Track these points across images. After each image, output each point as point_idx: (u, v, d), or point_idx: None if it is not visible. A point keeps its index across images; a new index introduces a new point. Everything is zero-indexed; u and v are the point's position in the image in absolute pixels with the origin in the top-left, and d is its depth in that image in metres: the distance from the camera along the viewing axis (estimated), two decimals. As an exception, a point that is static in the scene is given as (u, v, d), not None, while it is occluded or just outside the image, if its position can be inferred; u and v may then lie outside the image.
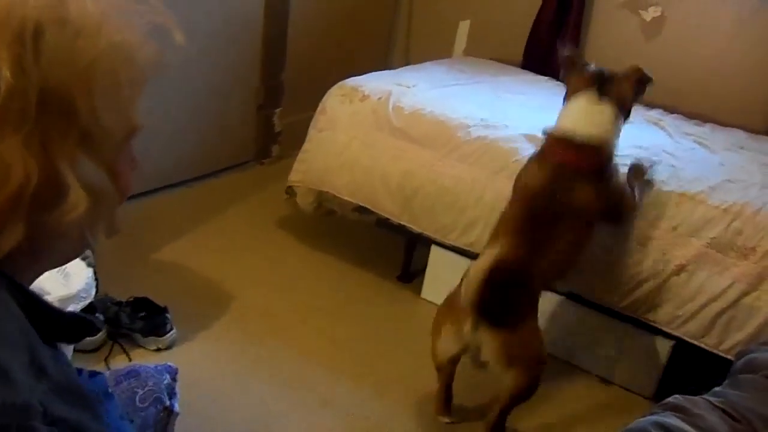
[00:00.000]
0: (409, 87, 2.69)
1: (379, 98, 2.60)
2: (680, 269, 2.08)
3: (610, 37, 3.46)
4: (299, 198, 2.80)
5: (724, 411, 1.23)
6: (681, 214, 2.11)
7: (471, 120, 2.49)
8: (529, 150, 2.29)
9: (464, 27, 3.69)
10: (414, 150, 2.48)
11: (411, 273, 2.72)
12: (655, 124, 2.82)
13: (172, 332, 2.22)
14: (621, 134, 2.08)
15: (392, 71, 2.94)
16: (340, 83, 2.72)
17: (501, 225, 1.98)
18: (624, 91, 2.07)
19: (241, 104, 3.42)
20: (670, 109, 3.09)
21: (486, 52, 3.64)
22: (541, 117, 2.63)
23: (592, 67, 2.12)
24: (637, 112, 2.90)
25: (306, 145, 2.75)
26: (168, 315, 2.21)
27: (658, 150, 2.47)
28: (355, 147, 2.58)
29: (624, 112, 2.08)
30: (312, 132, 2.74)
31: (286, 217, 3.04)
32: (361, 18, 3.90)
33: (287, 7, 3.39)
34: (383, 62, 4.01)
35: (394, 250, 2.75)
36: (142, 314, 2.21)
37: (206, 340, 2.29)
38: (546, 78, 3.26)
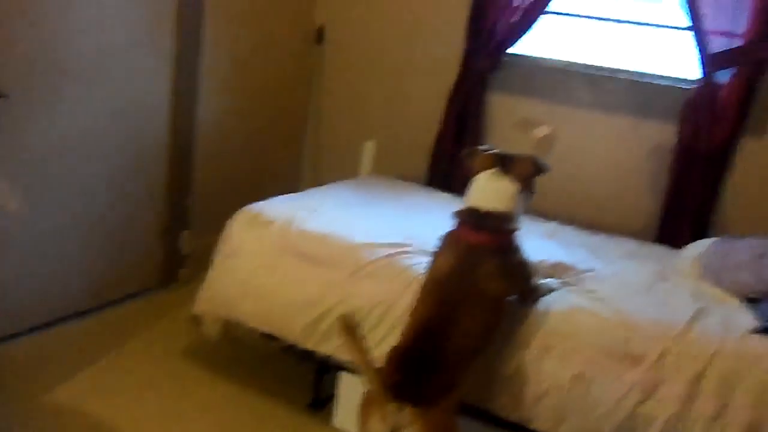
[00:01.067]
0: (313, 210, 2.75)
1: (283, 223, 2.64)
2: (579, 378, 2.13)
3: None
4: (205, 326, 2.75)
5: None
6: (574, 324, 2.19)
7: (376, 239, 2.54)
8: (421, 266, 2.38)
9: (369, 148, 3.84)
10: (320, 273, 2.50)
11: (323, 399, 2.67)
12: (551, 236, 2.96)
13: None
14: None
15: (297, 194, 3.00)
16: (244, 209, 2.75)
17: (413, 309, 2.07)
18: (524, 169, 2.23)
19: (145, 228, 3.38)
20: (566, 222, 3.26)
21: (392, 170, 3.78)
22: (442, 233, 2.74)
23: (493, 149, 2.28)
24: (534, 225, 3.05)
25: (211, 273, 2.73)
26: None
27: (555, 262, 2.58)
28: (261, 273, 2.58)
29: (526, 190, 2.20)
30: (217, 259, 2.73)
31: (191, 346, 2.96)
32: (269, 140, 4.01)
33: (193, 131, 3.45)
34: (293, 183, 4.09)
35: (306, 377, 2.70)
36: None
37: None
38: (450, 195, 3.40)
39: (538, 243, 2.84)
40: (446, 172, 3.72)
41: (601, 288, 2.38)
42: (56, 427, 2.39)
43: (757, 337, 2.14)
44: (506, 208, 2.19)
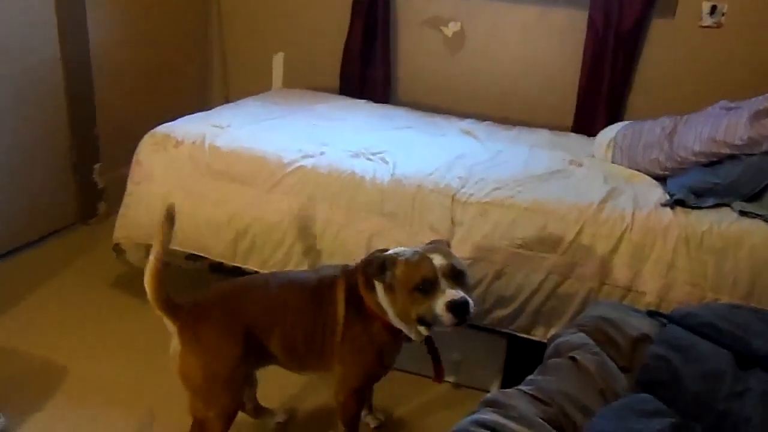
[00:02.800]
0: (223, 127, 2.67)
1: (194, 142, 2.55)
2: (499, 274, 2.19)
3: (418, 54, 3.62)
4: (128, 254, 2.69)
5: (534, 397, 1.30)
6: (491, 222, 2.23)
7: (288, 152, 2.50)
8: (354, 167, 2.38)
9: (279, 60, 3.71)
10: (236, 190, 2.46)
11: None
12: (468, 133, 2.97)
13: (0, 421, 2.04)
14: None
15: (206, 112, 2.90)
16: (152, 132, 2.64)
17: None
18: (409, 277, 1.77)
19: (53, 165, 3.23)
20: (481, 118, 3.27)
21: (304, 82, 3.69)
22: (358, 137, 2.71)
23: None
24: (452, 123, 3.06)
25: (126, 199, 2.64)
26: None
27: (471, 159, 2.60)
28: (177, 196, 2.50)
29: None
30: (130, 185, 2.63)
31: (119, 276, 2.90)
32: (173, 59, 3.82)
33: (87, 57, 3.25)
34: (202, 102, 3.95)
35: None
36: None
37: (40, 423, 2.12)
38: (363, 101, 3.35)
39: (454, 140, 2.86)
40: (358, 78, 3.65)
41: (513, 181, 2.41)
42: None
43: (665, 209, 2.24)
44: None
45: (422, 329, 1.77)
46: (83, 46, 3.24)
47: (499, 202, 2.25)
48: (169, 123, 2.69)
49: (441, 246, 1.82)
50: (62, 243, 3.24)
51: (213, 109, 3.01)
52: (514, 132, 3.08)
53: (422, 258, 1.71)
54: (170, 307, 1.78)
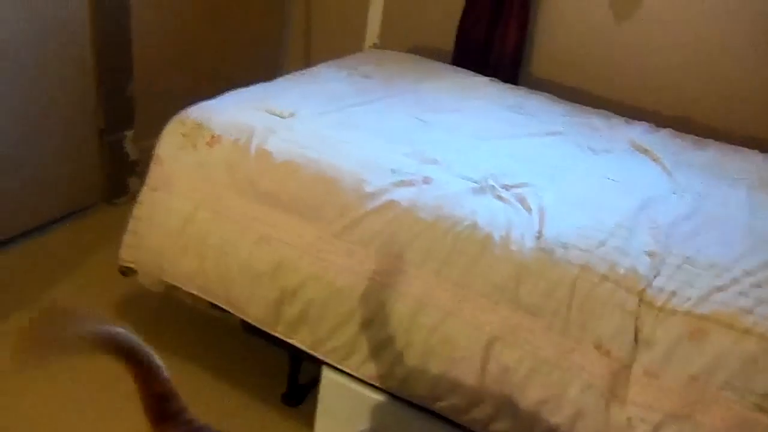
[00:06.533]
0: (284, 116, 1.79)
1: (236, 140, 1.69)
2: None
3: (568, 17, 2.60)
4: (141, 277, 1.90)
5: None
6: (708, 354, 1.28)
7: (375, 172, 1.61)
8: (476, 212, 1.47)
9: (376, 5, 2.78)
10: (290, 225, 1.59)
11: (301, 389, 1.85)
12: (644, 151, 1.99)
13: None
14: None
15: (265, 86, 2.01)
16: (180, 116, 1.79)
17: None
18: None
19: (74, 130, 2.45)
20: (650, 116, 2.28)
21: (406, 40, 2.76)
22: (483, 150, 1.80)
23: None
24: (616, 128, 2.09)
25: (137, 210, 1.83)
26: None
27: (662, 209, 1.64)
28: (203, 219, 1.68)
29: None
30: (145, 191, 1.81)
31: (134, 294, 2.13)
32: (239, 4, 2.93)
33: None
34: (274, 60, 3.07)
35: (277, 358, 1.88)
36: None
37: None
38: (487, 79, 2.39)
39: (625, 163, 1.90)
40: (480, 42, 2.68)
41: (741, 266, 1.45)
42: None
43: None
44: None
45: None
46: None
47: (727, 318, 1.30)
48: (208, 102, 1.84)
49: None
50: (83, 226, 2.50)
51: (279, 80, 2.12)
52: (710, 153, 2.07)
53: None
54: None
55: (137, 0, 2.47)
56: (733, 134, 2.37)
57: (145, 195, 1.80)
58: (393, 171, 1.61)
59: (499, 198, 1.58)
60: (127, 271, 1.91)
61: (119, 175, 2.67)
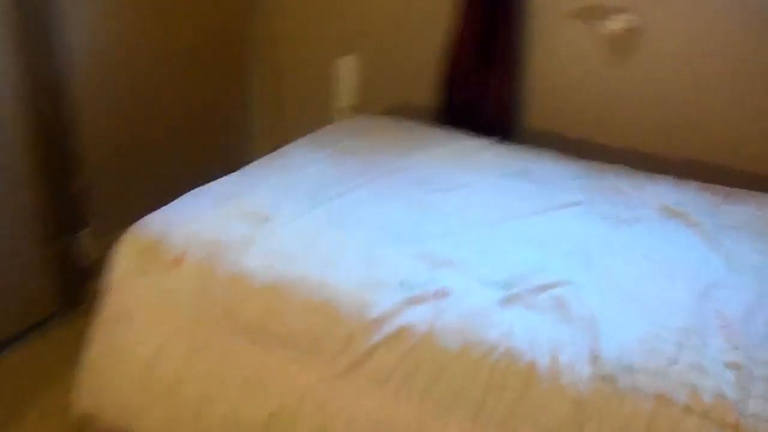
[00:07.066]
0: (260, 221, 1.49)
1: (205, 258, 1.38)
2: None
3: (562, 61, 2.35)
4: (102, 422, 1.56)
5: None
6: None
7: (378, 289, 1.31)
8: (513, 332, 1.18)
9: (348, 65, 2.53)
10: (283, 363, 1.28)
11: None
12: (678, 215, 1.72)
13: None
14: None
15: (230, 180, 1.71)
16: (135, 230, 1.48)
17: None
18: None
19: (17, 234, 2.11)
20: (666, 160, 2.03)
21: (384, 99, 2.50)
22: (500, 237, 1.52)
23: None
24: (639, 188, 1.84)
25: (89, 350, 1.50)
26: None
27: (724, 297, 1.37)
28: (172, 361, 1.36)
29: None
30: (97, 326, 1.49)
31: None
32: (198, 72, 2.63)
33: (62, 71, 2.10)
34: (242, 138, 2.77)
35: None
36: None
37: None
38: (483, 142, 2.13)
39: (663, 235, 1.63)
40: (465, 95, 2.42)
41: None
42: None
43: None
44: None
45: None
46: (56, 60, 2.09)
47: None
48: (167, 209, 1.53)
49: None
50: (37, 347, 2.14)
51: (249, 168, 1.82)
52: (748, 209, 1.81)
53: None
54: None
55: (78, 82, 2.16)
56: (745, 172, 2.15)
57: (98, 331, 1.48)
58: (401, 284, 1.32)
59: (534, 307, 1.29)
60: (84, 421, 1.57)
61: (75, 282, 2.33)
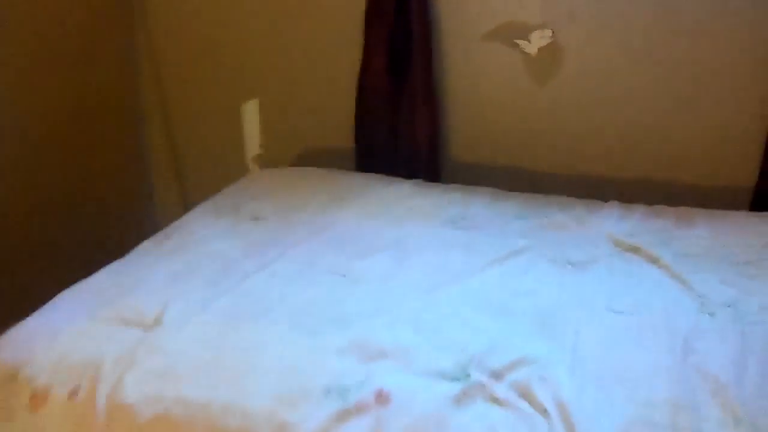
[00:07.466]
0: (145, 328, 1.20)
1: (75, 390, 1.08)
2: None
3: (482, 88, 2.15)
4: None
5: None
6: None
7: (302, 393, 1.05)
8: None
9: (251, 111, 2.27)
10: None
11: None
12: (633, 250, 1.52)
13: None
14: None
15: (111, 272, 1.40)
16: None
17: None
18: None
19: None
20: (600, 184, 1.86)
21: (295, 143, 2.25)
22: (449, 308, 1.28)
23: None
24: (585, 221, 1.64)
25: None
26: None
27: (708, 361, 1.16)
28: None
29: None
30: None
31: None
32: (84, 140, 2.30)
33: None
34: (141, 204, 2.46)
35: None
36: None
37: None
38: (410, 184, 1.90)
39: (622, 281, 1.43)
40: (387, 135, 2.19)
41: None
42: None
43: None
44: None
45: None
46: None
47: None
48: (25, 327, 1.21)
49: None
50: None
51: (137, 253, 1.52)
52: (702, 232, 1.62)
53: None
54: None
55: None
56: (686, 184, 2.00)
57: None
58: (328, 391, 1.05)
59: (495, 401, 1.04)
60: None
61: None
